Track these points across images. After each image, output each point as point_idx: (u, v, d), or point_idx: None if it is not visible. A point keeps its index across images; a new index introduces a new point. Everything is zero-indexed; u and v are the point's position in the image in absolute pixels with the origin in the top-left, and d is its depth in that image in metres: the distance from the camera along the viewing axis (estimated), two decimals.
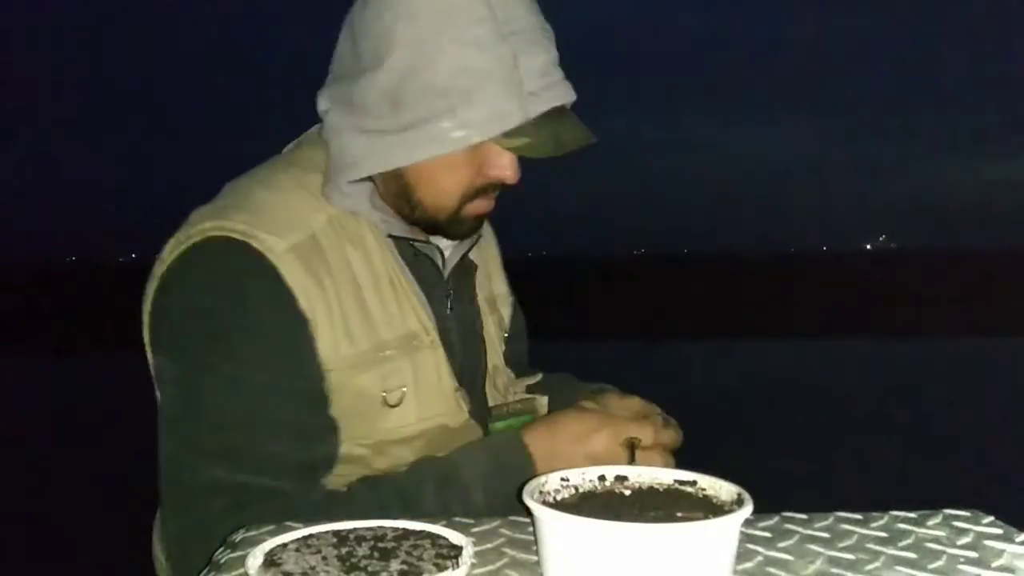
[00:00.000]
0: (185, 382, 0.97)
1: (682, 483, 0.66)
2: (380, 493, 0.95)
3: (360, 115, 0.99)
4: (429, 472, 0.98)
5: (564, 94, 0.99)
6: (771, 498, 0.75)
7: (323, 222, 1.02)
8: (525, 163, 1.00)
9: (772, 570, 0.65)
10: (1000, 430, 6.10)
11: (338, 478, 1.00)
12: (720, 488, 0.64)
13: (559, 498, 0.65)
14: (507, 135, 0.96)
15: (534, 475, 0.95)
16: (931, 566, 0.66)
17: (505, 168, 1.00)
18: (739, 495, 0.61)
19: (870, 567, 0.66)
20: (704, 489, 0.65)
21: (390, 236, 1.05)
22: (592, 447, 0.97)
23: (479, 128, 0.94)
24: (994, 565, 0.66)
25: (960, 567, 0.65)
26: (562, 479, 0.67)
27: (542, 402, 1.19)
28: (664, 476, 0.67)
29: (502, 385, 1.21)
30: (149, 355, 1.02)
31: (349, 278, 1.01)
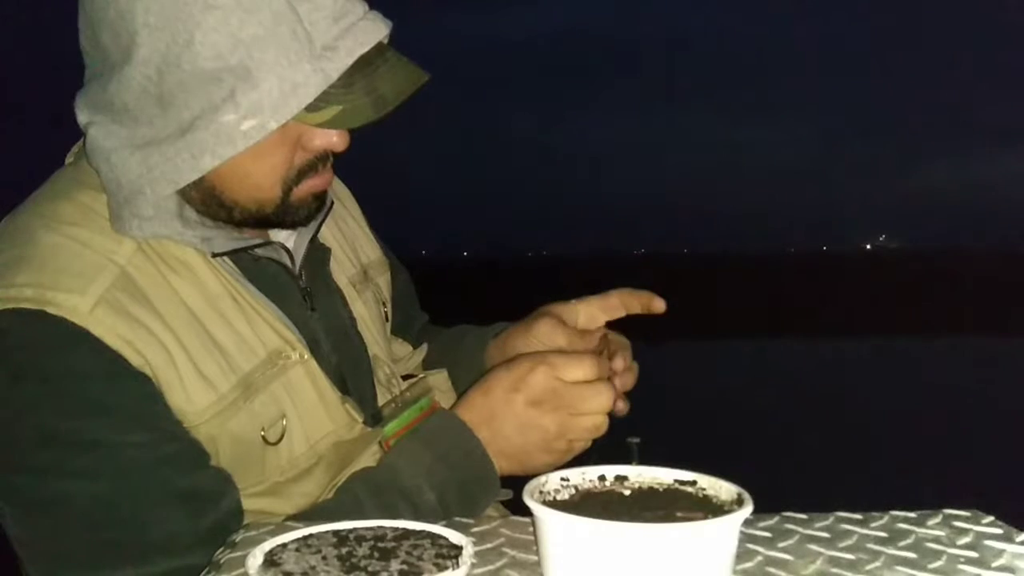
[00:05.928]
0: (30, 495, 0.80)
1: (682, 483, 0.66)
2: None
3: (129, 124, 0.81)
4: (362, 490, 0.88)
5: (371, 33, 0.80)
6: (771, 498, 0.75)
7: (131, 252, 0.84)
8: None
9: (772, 570, 0.65)
10: (1000, 430, 6.09)
11: None
12: (720, 488, 0.64)
13: (559, 498, 0.65)
14: (310, 109, 0.79)
15: (482, 449, 0.90)
16: (931, 566, 0.66)
17: (328, 137, 0.84)
18: (739, 495, 0.61)
19: (870, 567, 0.66)
20: (704, 489, 0.65)
21: (214, 255, 0.88)
22: (530, 391, 0.88)
23: (271, 111, 0.77)
24: (994, 565, 0.66)
25: (960, 567, 0.65)
26: (562, 479, 0.67)
27: (437, 378, 1.08)
28: (664, 476, 0.67)
29: (384, 378, 1.05)
30: None
31: (182, 312, 0.84)
